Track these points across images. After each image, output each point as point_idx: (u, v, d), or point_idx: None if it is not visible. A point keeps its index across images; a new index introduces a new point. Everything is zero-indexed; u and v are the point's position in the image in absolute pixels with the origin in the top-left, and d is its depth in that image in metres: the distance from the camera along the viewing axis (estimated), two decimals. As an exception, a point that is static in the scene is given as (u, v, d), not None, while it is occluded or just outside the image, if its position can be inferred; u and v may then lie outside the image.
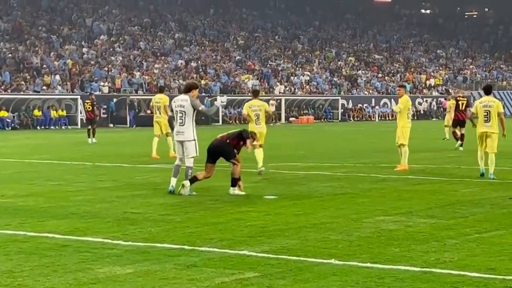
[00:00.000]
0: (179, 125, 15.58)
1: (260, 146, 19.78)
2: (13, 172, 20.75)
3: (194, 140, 15.47)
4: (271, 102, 62.70)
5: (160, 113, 25.23)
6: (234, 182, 15.48)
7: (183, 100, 15.58)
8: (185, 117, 15.46)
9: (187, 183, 15.23)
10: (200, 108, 15.50)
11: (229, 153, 15.66)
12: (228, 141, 15.74)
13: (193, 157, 15.46)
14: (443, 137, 33.47)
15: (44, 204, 14.20)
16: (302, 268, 8.75)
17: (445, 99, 35.70)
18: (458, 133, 28.96)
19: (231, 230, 11.23)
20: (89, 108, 35.69)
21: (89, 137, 34.78)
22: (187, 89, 15.79)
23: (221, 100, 16.34)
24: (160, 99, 25.66)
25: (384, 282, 8.06)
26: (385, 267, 8.75)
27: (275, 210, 13.25)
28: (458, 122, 29.49)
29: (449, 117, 32.64)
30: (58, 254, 9.51)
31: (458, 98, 30.46)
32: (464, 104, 29.78)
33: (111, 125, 55.30)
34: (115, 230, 11.25)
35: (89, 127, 35.27)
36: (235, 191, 15.40)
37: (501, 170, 19.21)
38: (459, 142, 28.57)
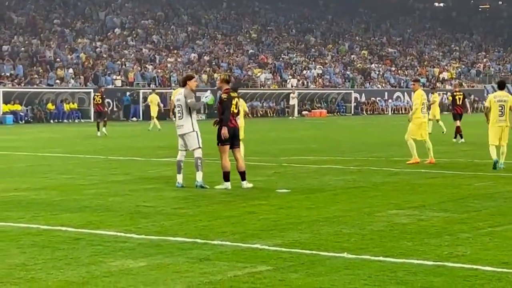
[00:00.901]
0: (178, 119, 15.56)
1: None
2: (26, 165, 20.82)
3: (194, 131, 15.41)
4: (291, 95, 62.68)
5: None
6: (243, 175, 15.46)
7: (180, 94, 15.61)
8: (182, 110, 15.44)
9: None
10: (188, 101, 15.35)
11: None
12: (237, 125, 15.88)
13: (199, 148, 15.41)
14: (442, 131, 33.31)
15: (57, 197, 14.24)
16: (315, 262, 8.74)
17: (432, 93, 35.58)
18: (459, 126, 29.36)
19: (243, 224, 11.23)
20: (98, 101, 35.83)
21: (98, 130, 34.99)
22: (184, 83, 15.84)
23: (205, 95, 16.30)
24: None
25: (397, 276, 8.05)
26: (398, 261, 8.74)
27: (288, 204, 13.24)
28: (457, 115, 29.81)
29: (434, 111, 32.87)
30: (71, 247, 9.54)
31: (454, 93, 30.79)
32: (461, 98, 30.33)
33: (134, 118, 55.36)
34: (128, 224, 11.28)
35: (99, 120, 35.50)
36: (247, 184, 15.40)
37: (514, 164, 19.17)
38: (460, 138, 29.12)
